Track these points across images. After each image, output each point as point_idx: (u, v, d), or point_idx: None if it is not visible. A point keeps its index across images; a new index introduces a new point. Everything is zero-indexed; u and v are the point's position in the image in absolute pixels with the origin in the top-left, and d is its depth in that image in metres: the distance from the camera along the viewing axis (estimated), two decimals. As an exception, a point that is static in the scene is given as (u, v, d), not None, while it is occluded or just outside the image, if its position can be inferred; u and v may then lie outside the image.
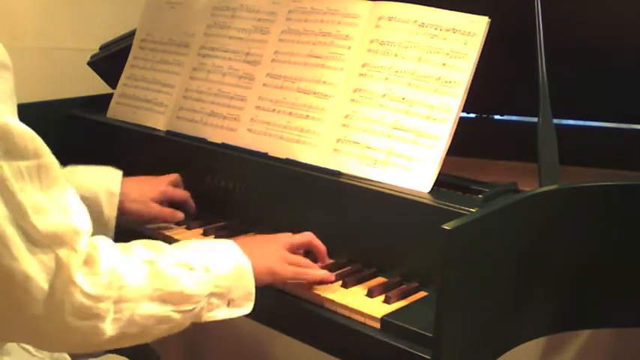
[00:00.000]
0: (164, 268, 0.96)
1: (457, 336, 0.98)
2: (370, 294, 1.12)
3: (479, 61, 1.20)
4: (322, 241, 1.23)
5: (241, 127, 1.44)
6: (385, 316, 1.05)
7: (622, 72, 1.44)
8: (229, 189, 1.41)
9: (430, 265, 1.10)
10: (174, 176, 1.45)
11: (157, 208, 1.38)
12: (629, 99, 1.50)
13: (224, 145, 1.44)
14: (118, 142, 1.66)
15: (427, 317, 0.99)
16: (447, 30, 1.24)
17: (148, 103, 1.65)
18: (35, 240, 0.84)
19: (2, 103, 0.83)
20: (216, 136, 1.48)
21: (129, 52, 1.74)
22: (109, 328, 0.90)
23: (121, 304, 0.91)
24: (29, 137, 0.85)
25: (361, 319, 1.07)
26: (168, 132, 1.57)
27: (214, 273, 1.01)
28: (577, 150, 1.40)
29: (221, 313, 1.03)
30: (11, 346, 1.08)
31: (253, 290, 1.06)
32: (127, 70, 1.73)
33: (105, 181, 1.34)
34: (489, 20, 1.21)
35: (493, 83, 1.33)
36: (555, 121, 1.19)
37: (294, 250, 1.17)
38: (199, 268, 1.00)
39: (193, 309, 0.99)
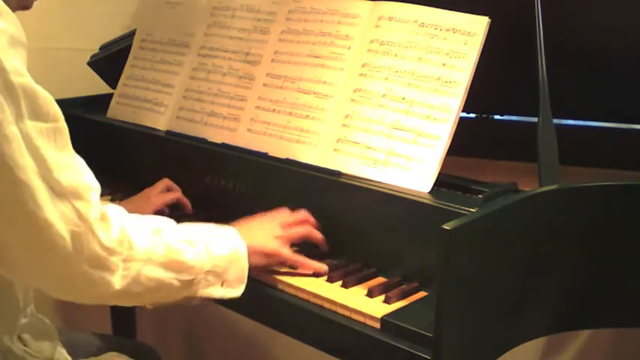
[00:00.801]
0: (169, 238, 1.04)
1: (457, 336, 0.98)
2: (370, 294, 1.12)
3: (479, 61, 1.20)
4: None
5: (241, 127, 1.44)
6: (385, 316, 1.05)
7: (622, 72, 1.44)
8: (229, 189, 1.41)
9: (430, 265, 1.09)
10: (161, 184, 1.44)
11: None
12: (628, 99, 1.50)
13: (224, 145, 1.44)
14: (118, 142, 1.67)
15: (427, 317, 0.99)
16: (447, 30, 1.24)
17: (148, 103, 1.65)
18: (58, 192, 0.89)
19: (25, 70, 0.88)
20: (216, 136, 1.47)
21: (129, 52, 1.74)
22: (117, 282, 0.96)
23: (129, 262, 0.97)
24: (50, 102, 0.91)
25: (361, 319, 1.07)
26: (168, 132, 1.57)
27: (213, 253, 1.08)
28: (577, 150, 1.40)
29: (215, 291, 1.09)
30: (12, 345, 1.08)
31: (246, 274, 1.12)
32: (127, 70, 1.73)
33: None
34: (489, 20, 1.21)
35: (493, 83, 1.33)
36: (555, 121, 1.19)
37: (291, 228, 1.20)
38: (200, 246, 1.06)
39: (192, 280, 1.05)
